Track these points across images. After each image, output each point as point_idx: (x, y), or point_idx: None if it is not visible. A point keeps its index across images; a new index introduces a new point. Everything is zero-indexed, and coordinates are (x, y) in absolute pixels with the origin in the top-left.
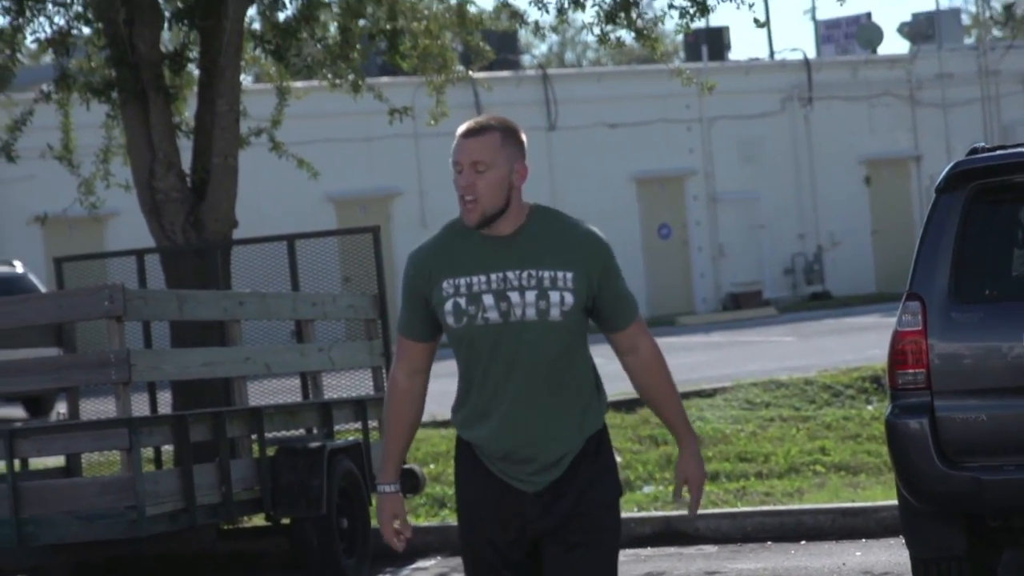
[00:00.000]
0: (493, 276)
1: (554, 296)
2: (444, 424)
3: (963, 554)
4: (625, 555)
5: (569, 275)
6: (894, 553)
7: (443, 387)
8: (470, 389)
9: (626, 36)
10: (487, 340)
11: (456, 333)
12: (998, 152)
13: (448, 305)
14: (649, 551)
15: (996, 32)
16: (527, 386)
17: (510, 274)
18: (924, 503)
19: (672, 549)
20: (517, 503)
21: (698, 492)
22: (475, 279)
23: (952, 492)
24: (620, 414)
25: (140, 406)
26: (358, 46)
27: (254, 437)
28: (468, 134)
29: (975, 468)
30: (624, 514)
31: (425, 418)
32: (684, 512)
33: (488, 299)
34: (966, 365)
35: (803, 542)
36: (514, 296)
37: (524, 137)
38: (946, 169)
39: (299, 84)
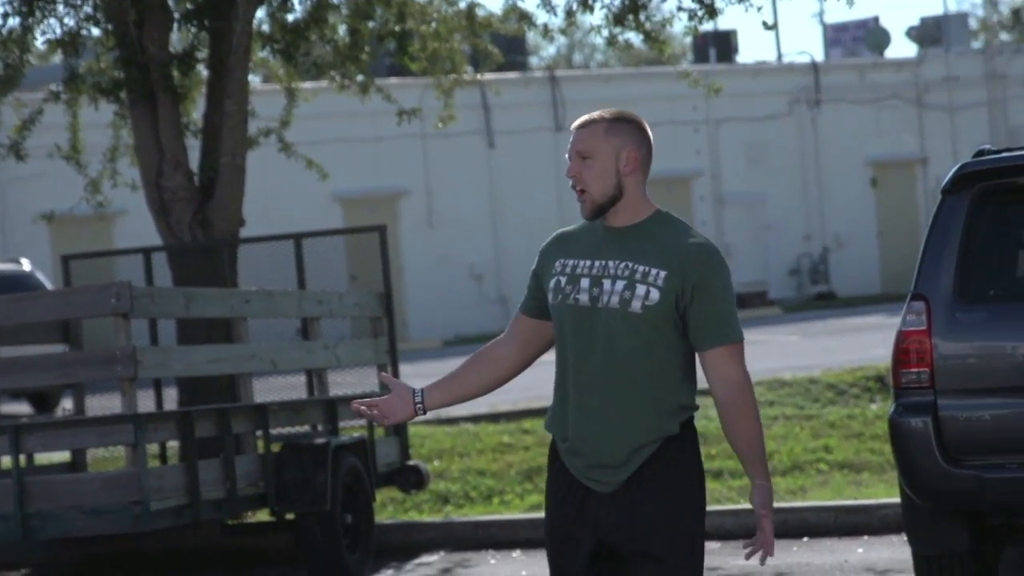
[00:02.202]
0: (597, 263)
1: (640, 289)
2: (449, 422)
3: (965, 551)
4: None
5: (663, 273)
6: (896, 550)
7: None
8: (558, 374)
9: (634, 38)
10: (574, 321)
11: (553, 310)
12: (1004, 154)
13: (552, 282)
14: None
15: (1004, 36)
16: (598, 375)
17: (611, 263)
18: (927, 501)
19: None
20: (588, 503)
21: (768, 546)
22: (581, 262)
23: (955, 490)
24: None
25: (146, 402)
26: (367, 47)
27: (259, 433)
28: (577, 126)
29: (978, 466)
30: None
31: (430, 417)
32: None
33: (585, 282)
34: (970, 365)
35: (805, 539)
36: (607, 283)
37: (644, 127)
38: (952, 171)
39: (308, 85)
